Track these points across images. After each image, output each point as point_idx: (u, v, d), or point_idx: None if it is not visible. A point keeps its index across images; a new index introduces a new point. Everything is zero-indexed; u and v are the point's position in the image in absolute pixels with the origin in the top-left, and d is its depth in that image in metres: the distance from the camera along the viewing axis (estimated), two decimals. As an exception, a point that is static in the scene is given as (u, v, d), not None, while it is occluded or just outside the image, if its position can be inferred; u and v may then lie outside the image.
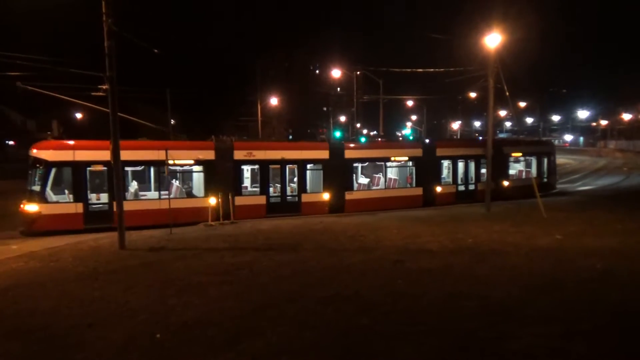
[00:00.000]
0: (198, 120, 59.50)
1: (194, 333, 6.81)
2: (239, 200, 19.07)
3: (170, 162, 17.23)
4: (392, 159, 22.75)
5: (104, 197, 17.10)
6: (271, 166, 19.85)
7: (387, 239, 13.72)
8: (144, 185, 19.03)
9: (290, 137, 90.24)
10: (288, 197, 20.32)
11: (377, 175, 22.78)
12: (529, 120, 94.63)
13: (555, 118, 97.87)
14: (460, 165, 24.72)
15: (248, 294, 8.57)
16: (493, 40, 19.65)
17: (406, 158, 23.04)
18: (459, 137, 74.81)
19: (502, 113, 77.12)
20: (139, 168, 18.64)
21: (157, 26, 50.91)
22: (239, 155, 19.19)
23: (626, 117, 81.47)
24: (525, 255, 11.23)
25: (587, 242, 12.63)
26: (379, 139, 32.91)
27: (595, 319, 6.97)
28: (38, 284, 9.61)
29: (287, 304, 7.94)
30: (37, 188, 16.43)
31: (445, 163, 24.52)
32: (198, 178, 18.96)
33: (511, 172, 27.43)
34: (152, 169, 18.84)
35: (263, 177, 19.73)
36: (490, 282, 9.03)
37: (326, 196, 20.82)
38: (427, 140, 26.31)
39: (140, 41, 15.32)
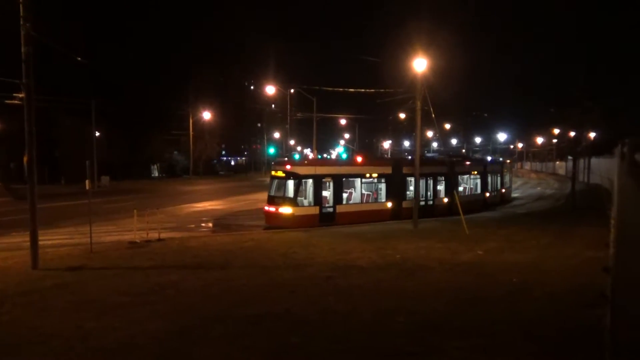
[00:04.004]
0: (125, 133, 56.87)
1: (114, 358, 6.40)
2: (405, 204, 23.96)
3: (367, 175, 23.27)
4: (472, 173, 30.51)
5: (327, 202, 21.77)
6: (421, 178, 24.09)
7: (319, 256, 13.76)
8: (351, 192, 23.13)
9: (223, 152, 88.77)
10: (429, 202, 25.95)
11: (466, 185, 30.14)
12: (454, 141, 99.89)
13: (478, 139, 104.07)
14: None
15: (174, 315, 8.22)
16: (419, 64, 20.66)
17: (476, 172, 30.68)
18: (389, 155, 77.09)
19: (430, 134, 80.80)
20: (350, 179, 23.14)
21: (83, 36, 48.28)
22: (405, 170, 24.36)
23: (539, 140, 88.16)
24: (449, 271, 11.70)
25: (505, 258, 13.39)
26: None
27: (511, 332, 7.34)
28: None
29: (215, 324, 7.70)
30: (290, 195, 20.81)
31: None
32: (382, 187, 24.01)
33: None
34: (357, 180, 23.28)
35: (416, 187, 23.66)
36: (417, 297, 9.30)
37: (446, 200, 26.85)
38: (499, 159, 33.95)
39: (63, 48, 14.55)
